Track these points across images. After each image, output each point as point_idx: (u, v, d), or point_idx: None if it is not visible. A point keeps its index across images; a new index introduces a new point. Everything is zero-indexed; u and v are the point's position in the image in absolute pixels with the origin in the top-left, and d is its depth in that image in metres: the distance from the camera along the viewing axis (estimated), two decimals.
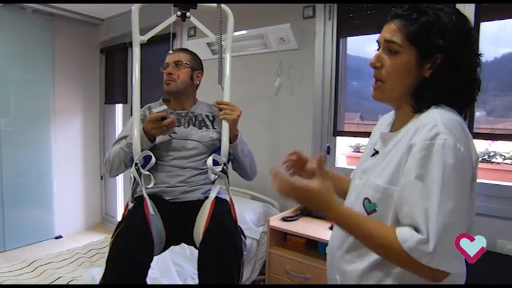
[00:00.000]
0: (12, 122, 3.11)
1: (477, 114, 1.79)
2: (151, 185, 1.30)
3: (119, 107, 3.72)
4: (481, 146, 1.92)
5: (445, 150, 0.67)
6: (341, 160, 2.25)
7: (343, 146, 2.28)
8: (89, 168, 3.78)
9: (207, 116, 1.48)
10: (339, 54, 2.12)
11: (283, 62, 2.28)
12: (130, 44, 3.36)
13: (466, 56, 0.74)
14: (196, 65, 1.50)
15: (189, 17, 1.44)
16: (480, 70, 0.77)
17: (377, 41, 0.82)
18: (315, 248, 1.81)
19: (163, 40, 2.91)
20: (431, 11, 0.74)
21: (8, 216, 3.08)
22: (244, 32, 2.21)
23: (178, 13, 1.43)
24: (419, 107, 0.77)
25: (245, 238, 1.31)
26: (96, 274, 1.60)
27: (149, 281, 1.62)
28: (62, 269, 1.70)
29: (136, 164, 1.26)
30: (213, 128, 1.45)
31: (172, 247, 1.90)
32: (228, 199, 1.38)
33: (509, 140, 1.80)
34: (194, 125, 1.44)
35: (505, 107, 1.78)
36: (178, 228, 1.29)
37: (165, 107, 1.29)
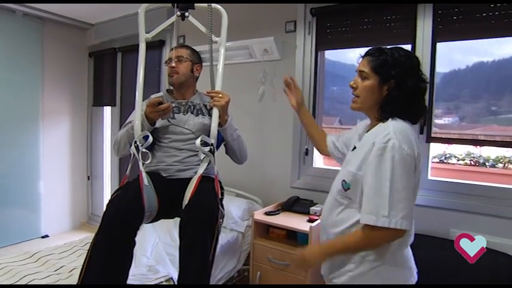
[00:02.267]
0: (1, 123, 3.15)
1: (450, 119, 2.02)
2: (148, 161, 1.47)
3: (107, 110, 3.81)
4: (439, 148, 2.19)
5: (393, 150, 1.01)
6: (318, 161, 2.47)
7: None
8: (76, 168, 3.85)
9: (205, 106, 1.67)
10: (317, 65, 2.35)
11: (267, 71, 2.48)
12: (120, 49, 3.52)
13: (410, 82, 1.07)
14: (196, 59, 1.71)
15: (188, 17, 1.58)
16: (426, 88, 1.12)
17: (356, 70, 1.17)
18: (294, 238, 2.02)
19: (153, 47, 3.07)
20: (389, 51, 1.10)
21: None
22: (231, 43, 2.40)
23: (178, 13, 1.56)
24: (381, 118, 1.11)
25: (223, 209, 1.46)
26: None
27: (145, 268, 1.80)
28: (63, 259, 1.81)
29: (135, 142, 1.44)
30: (209, 115, 1.63)
31: (164, 240, 2.09)
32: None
33: (461, 144, 2.07)
34: (192, 113, 1.64)
35: (476, 113, 1.94)
36: (170, 202, 1.46)
37: (161, 93, 1.50)
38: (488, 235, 1.74)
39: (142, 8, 1.61)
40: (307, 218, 2.04)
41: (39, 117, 3.46)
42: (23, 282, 1.56)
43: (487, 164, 2.09)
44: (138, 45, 1.60)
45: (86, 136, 3.95)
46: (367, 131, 1.17)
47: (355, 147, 1.19)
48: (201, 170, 1.46)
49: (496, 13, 1.76)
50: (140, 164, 1.44)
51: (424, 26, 1.96)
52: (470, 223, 1.83)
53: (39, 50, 3.42)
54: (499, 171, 2.06)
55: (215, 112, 1.51)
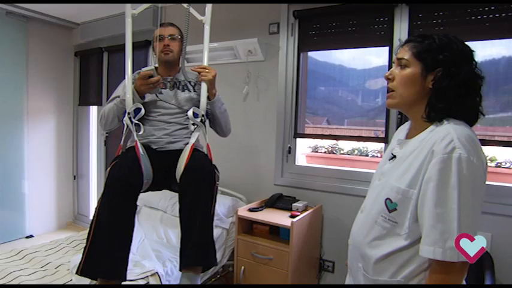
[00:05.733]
0: None
1: None
2: (141, 132, 1.54)
3: (93, 109, 3.81)
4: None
5: (460, 162, 0.80)
6: (301, 159, 2.55)
7: (303, 146, 2.58)
8: (62, 168, 3.84)
9: (189, 82, 1.74)
10: (299, 66, 2.42)
11: (251, 71, 2.55)
12: (106, 48, 3.53)
13: (462, 70, 0.88)
14: (183, 37, 1.75)
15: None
16: (481, 85, 0.92)
17: (392, 62, 1.02)
18: (277, 233, 2.08)
19: (139, 47, 3.10)
20: (436, 36, 0.92)
21: None
22: (216, 44, 2.45)
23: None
24: (431, 117, 0.90)
25: (218, 172, 1.58)
26: None
27: (131, 264, 1.83)
28: (49, 256, 1.83)
29: (128, 114, 1.51)
30: (194, 91, 1.73)
31: (150, 236, 2.13)
32: (205, 146, 1.66)
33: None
34: (178, 88, 1.71)
35: None
36: (163, 172, 1.54)
37: (152, 67, 1.53)
38: None
39: None
40: (289, 214, 2.11)
41: (23, 116, 3.44)
42: (9, 278, 1.58)
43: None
44: (124, 44, 1.64)
45: (72, 135, 3.93)
46: (410, 137, 0.97)
47: (394, 156, 0.99)
48: (193, 140, 1.57)
49: (473, 18, 1.85)
50: (135, 134, 1.51)
51: (401, 30, 2.05)
52: None
53: (23, 48, 3.39)
54: None
55: (203, 86, 1.61)
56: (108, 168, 1.45)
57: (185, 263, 1.44)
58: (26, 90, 3.44)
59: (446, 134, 0.83)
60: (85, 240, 2.16)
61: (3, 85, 3.26)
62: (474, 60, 0.91)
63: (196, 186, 1.45)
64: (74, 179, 3.96)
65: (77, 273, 1.36)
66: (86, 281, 1.57)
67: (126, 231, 1.40)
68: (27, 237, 3.47)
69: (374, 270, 0.95)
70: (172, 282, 1.81)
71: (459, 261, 0.80)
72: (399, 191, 0.90)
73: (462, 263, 0.81)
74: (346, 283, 1.12)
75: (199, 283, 1.49)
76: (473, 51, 0.92)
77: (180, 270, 1.47)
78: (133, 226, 1.43)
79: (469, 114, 0.91)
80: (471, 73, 0.89)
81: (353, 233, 1.05)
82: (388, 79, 0.98)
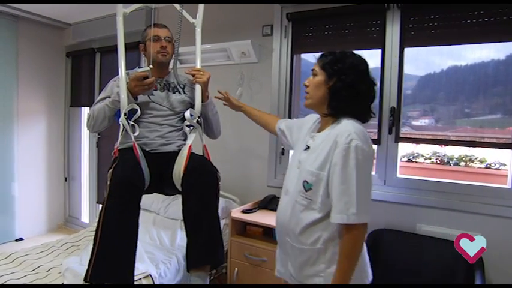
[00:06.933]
0: None
1: (426, 121, 2.12)
2: (137, 133, 1.53)
3: (84, 110, 3.78)
4: (407, 148, 2.32)
5: (357, 150, 1.07)
6: None
7: None
8: (53, 169, 3.79)
9: (179, 84, 1.74)
10: (292, 68, 2.43)
11: (244, 73, 2.55)
12: (98, 49, 3.50)
13: (350, 77, 1.15)
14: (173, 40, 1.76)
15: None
16: (371, 91, 1.20)
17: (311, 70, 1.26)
18: (270, 235, 2.08)
19: (132, 48, 3.07)
20: (339, 53, 1.20)
21: None
22: (209, 45, 2.46)
23: None
24: (328, 113, 1.19)
25: (218, 172, 1.58)
26: (75, 262, 1.75)
27: None
28: (40, 259, 1.81)
29: (125, 114, 1.49)
30: (184, 93, 1.73)
31: (143, 239, 2.11)
32: (201, 148, 1.67)
33: (427, 144, 2.20)
34: (169, 90, 1.71)
35: (451, 115, 2.02)
36: (157, 175, 1.53)
37: (147, 68, 1.51)
38: (452, 229, 1.89)
39: None
40: None
41: (13, 117, 3.40)
42: None
43: (451, 162, 2.23)
44: (116, 45, 1.62)
45: (63, 137, 3.89)
46: (319, 131, 1.24)
47: (308, 147, 1.23)
48: (190, 141, 1.57)
49: (463, 21, 1.88)
50: (132, 135, 1.49)
51: (393, 33, 2.08)
52: (436, 218, 1.95)
53: (13, 49, 3.35)
54: (461, 169, 2.20)
55: (198, 88, 1.62)
56: (110, 171, 1.42)
57: (195, 263, 1.44)
58: (16, 91, 3.40)
59: (346, 129, 1.10)
60: (78, 243, 2.16)
61: None
62: (367, 71, 1.19)
63: (202, 187, 1.45)
64: (65, 180, 3.92)
65: (85, 280, 1.31)
66: (68, 266, 1.55)
67: (133, 234, 1.39)
68: (16, 240, 3.42)
69: (298, 240, 1.19)
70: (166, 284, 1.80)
71: (360, 223, 1.07)
72: (313, 174, 1.15)
73: (362, 224, 1.08)
74: (276, 256, 1.36)
75: (208, 282, 1.48)
76: (366, 64, 1.20)
77: (188, 270, 1.45)
78: (138, 228, 1.42)
79: (360, 114, 1.18)
80: (359, 80, 1.15)
81: (278, 212, 1.31)
82: (306, 86, 1.25)
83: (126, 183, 1.37)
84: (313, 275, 1.17)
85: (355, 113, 1.17)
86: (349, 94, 1.15)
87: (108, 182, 1.38)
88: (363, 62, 1.20)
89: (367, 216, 1.09)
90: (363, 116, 1.20)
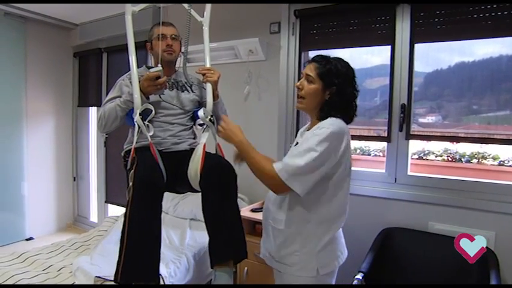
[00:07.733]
0: None
1: (433, 118, 2.09)
2: (151, 133, 1.52)
3: (92, 110, 3.80)
4: (418, 145, 2.28)
5: (332, 134, 1.17)
6: None
7: None
8: (62, 169, 3.82)
9: (186, 83, 1.73)
10: (300, 66, 2.42)
11: (252, 71, 2.54)
12: (105, 49, 3.51)
13: (349, 90, 1.27)
14: (180, 38, 1.74)
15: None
16: (357, 96, 1.31)
17: (301, 73, 1.33)
18: None
19: (140, 47, 3.07)
20: (333, 61, 1.27)
21: None
22: (216, 44, 2.44)
23: None
24: (321, 117, 1.27)
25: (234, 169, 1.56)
26: (85, 261, 1.76)
27: None
28: (51, 259, 1.82)
29: (140, 114, 1.48)
30: (192, 91, 1.72)
31: None
32: (215, 146, 1.64)
33: (439, 141, 2.17)
34: (178, 89, 1.69)
35: (458, 112, 2.00)
36: (171, 173, 1.51)
37: (160, 68, 1.49)
38: (465, 227, 1.86)
39: None
40: None
41: (23, 118, 3.43)
42: (10, 281, 1.57)
43: (462, 159, 2.19)
44: (125, 45, 1.61)
45: (71, 137, 3.92)
46: (308, 130, 1.31)
47: (297, 143, 1.32)
48: (204, 139, 1.55)
49: (475, 16, 1.85)
50: (148, 134, 1.49)
51: (403, 29, 2.04)
52: (448, 216, 1.92)
53: (21, 49, 3.38)
54: (473, 166, 2.17)
55: (209, 87, 1.60)
56: (132, 171, 1.41)
57: (219, 258, 1.43)
58: (24, 92, 3.43)
59: (325, 124, 1.21)
60: (88, 242, 2.17)
61: (2, 87, 3.25)
62: (354, 77, 1.30)
63: (222, 184, 1.45)
64: (74, 180, 3.95)
65: (115, 280, 1.31)
66: (79, 266, 1.54)
67: (159, 233, 1.39)
68: (27, 239, 3.46)
69: (277, 221, 1.31)
70: (176, 283, 1.80)
71: (286, 183, 1.17)
72: None
73: (287, 186, 1.18)
74: (262, 239, 1.45)
75: (232, 278, 1.48)
76: (353, 70, 1.30)
77: (212, 267, 1.44)
78: (161, 227, 1.43)
79: (347, 116, 1.29)
80: (350, 87, 1.28)
81: (266, 199, 1.43)
82: (298, 88, 1.31)
83: (149, 183, 1.37)
84: (289, 254, 1.27)
85: (343, 114, 1.27)
86: (341, 100, 1.26)
87: (131, 183, 1.37)
88: (351, 68, 1.30)
89: (295, 185, 1.16)
90: (348, 117, 1.29)
